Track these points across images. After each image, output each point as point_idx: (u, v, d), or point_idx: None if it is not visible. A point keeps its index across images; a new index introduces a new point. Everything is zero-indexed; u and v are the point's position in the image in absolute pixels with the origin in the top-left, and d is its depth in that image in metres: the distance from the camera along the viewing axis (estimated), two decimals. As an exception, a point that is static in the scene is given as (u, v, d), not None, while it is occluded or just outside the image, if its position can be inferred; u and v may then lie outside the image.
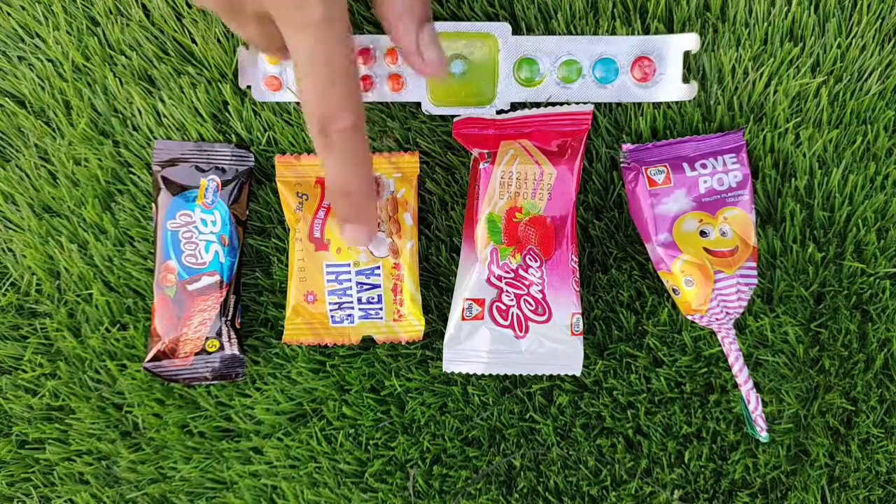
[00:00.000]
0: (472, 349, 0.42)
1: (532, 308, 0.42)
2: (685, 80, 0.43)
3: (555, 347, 0.42)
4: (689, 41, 0.42)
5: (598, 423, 0.45)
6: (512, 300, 0.42)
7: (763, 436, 0.41)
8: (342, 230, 0.38)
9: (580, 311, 0.42)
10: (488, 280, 0.42)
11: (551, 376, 0.45)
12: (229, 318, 0.44)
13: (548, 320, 0.42)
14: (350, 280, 0.44)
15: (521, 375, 0.45)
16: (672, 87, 0.43)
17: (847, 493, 0.45)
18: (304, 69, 0.34)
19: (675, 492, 0.45)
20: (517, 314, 0.42)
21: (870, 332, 0.44)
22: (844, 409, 0.44)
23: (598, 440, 0.45)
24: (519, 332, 0.42)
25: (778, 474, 0.45)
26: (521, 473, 0.45)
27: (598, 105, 0.44)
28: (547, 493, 0.45)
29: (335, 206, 0.38)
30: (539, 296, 0.42)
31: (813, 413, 0.44)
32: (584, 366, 0.45)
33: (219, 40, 0.44)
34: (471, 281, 0.42)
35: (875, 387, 0.44)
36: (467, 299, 0.42)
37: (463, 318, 0.42)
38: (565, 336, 0.42)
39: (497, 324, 0.42)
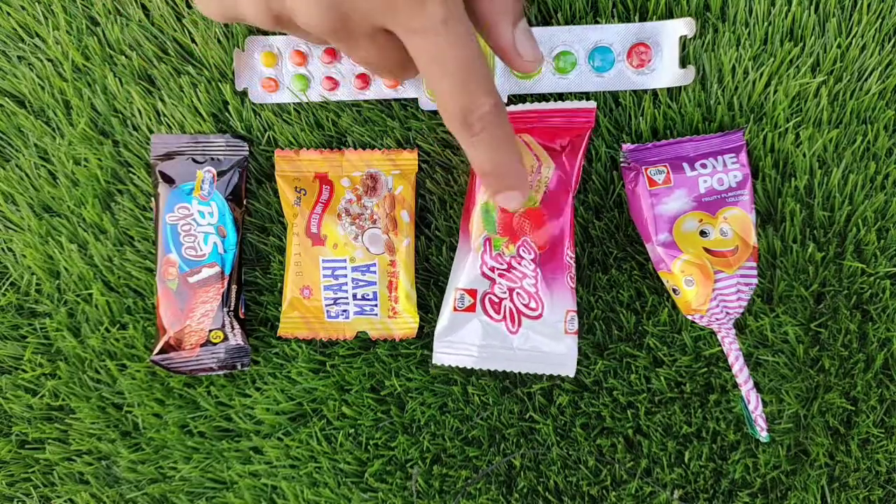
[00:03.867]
0: (462, 342, 0.42)
1: (524, 302, 0.41)
2: (682, 64, 0.43)
3: (547, 345, 0.41)
4: (685, 26, 0.42)
5: (598, 423, 0.45)
6: (504, 292, 0.41)
7: (763, 436, 0.41)
8: (496, 199, 0.37)
9: (575, 309, 0.42)
10: (481, 270, 0.42)
11: (551, 375, 0.45)
12: (231, 308, 0.44)
13: (540, 316, 0.41)
14: (346, 276, 0.44)
15: (520, 374, 0.45)
16: (669, 73, 0.43)
17: (847, 492, 0.45)
18: (434, 71, 0.32)
19: (675, 492, 0.45)
20: (510, 308, 0.41)
21: (870, 332, 0.44)
22: (844, 408, 0.44)
23: (598, 440, 0.45)
24: (512, 326, 0.41)
25: (778, 474, 0.45)
26: (521, 473, 0.45)
27: (596, 96, 0.44)
28: (547, 493, 0.45)
29: (489, 185, 0.37)
30: (532, 289, 0.41)
31: (813, 413, 0.44)
32: (584, 366, 0.45)
33: (218, 40, 0.44)
34: (464, 271, 0.42)
35: (875, 386, 0.44)
36: (459, 289, 0.42)
37: (455, 309, 0.42)
38: (559, 334, 0.41)
39: (489, 317, 0.41)
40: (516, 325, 0.41)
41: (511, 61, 0.36)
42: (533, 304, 0.41)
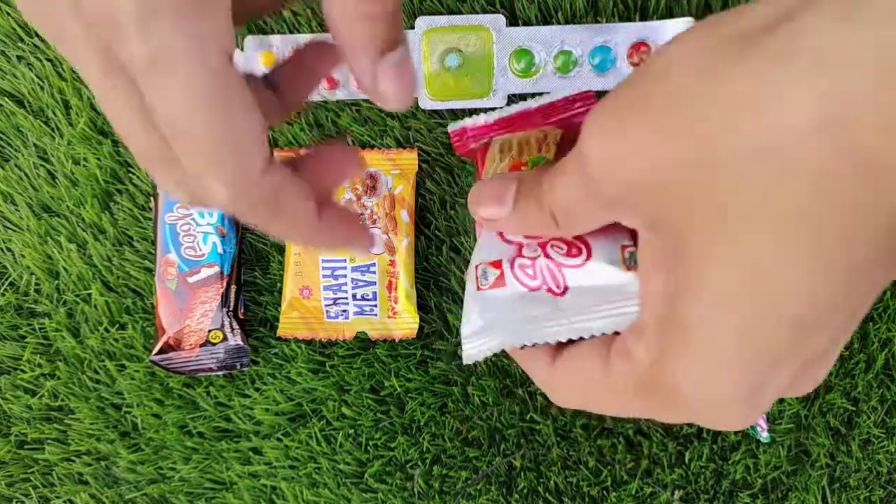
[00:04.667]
0: (493, 327, 0.31)
1: (563, 251, 0.30)
2: None
3: (605, 285, 0.29)
4: (685, 25, 0.42)
5: (598, 423, 0.45)
6: (535, 251, 0.31)
7: (764, 436, 0.41)
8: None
9: (632, 244, 0.29)
10: (500, 235, 0.31)
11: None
12: (231, 308, 0.44)
13: (588, 259, 0.29)
14: (346, 276, 0.44)
15: (520, 374, 0.45)
16: None
17: (848, 493, 0.44)
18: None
19: (676, 492, 0.45)
20: (547, 266, 0.30)
21: (870, 332, 0.44)
22: (845, 409, 0.44)
23: (598, 440, 0.45)
24: (556, 288, 0.30)
25: (779, 475, 0.45)
26: (521, 473, 0.45)
27: (597, 95, 0.44)
28: (547, 494, 0.45)
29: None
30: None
31: (813, 413, 0.44)
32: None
33: (218, 40, 0.44)
34: (481, 247, 0.31)
35: (876, 387, 0.44)
36: (479, 265, 0.31)
37: (479, 288, 0.31)
38: (618, 274, 0.29)
39: (524, 285, 0.30)
40: (561, 288, 0.30)
41: (374, 99, 0.29)
42: (575, 250, 0.30)
